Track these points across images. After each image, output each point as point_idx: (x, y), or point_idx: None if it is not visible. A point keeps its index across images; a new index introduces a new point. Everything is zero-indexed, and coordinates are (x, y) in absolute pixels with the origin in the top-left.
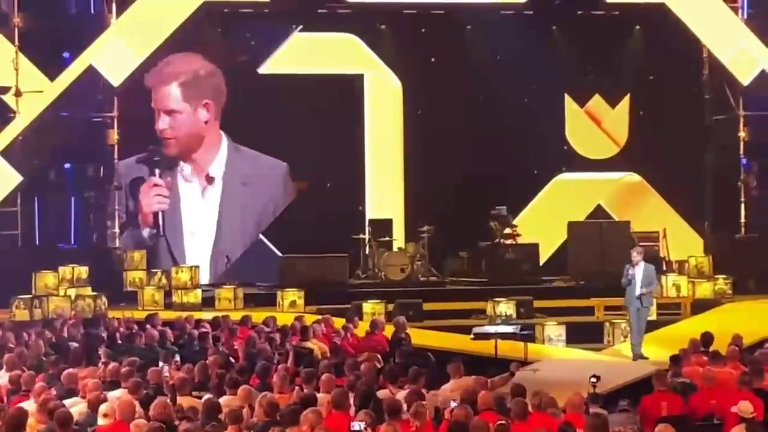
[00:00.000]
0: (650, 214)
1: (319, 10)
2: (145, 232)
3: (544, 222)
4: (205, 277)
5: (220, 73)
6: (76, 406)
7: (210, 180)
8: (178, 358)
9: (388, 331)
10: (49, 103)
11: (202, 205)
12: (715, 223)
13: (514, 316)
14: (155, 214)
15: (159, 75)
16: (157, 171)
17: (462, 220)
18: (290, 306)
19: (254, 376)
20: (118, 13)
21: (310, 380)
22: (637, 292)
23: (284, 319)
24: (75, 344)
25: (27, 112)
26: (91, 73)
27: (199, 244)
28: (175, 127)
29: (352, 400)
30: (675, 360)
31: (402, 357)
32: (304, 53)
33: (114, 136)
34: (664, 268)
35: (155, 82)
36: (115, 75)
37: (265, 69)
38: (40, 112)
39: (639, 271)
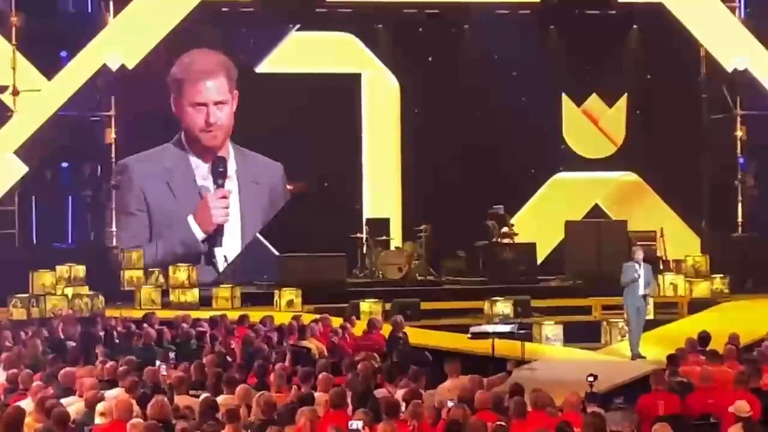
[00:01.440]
0: (647, 213)
1: (316, 9)
2: (199, 236)
3: (541, 221)
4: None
5: (233, 65)
6: (74, 405)
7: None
8: (172, 356)
9: (386, 330)
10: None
11: None
12: (713, 223)
13: (512, 315)
14: (218, 226)
15: (198, 67)
16: (220, 181)
17: (459, 219)
18: (287, 305)
19: (251, 375)
20: (116, 12)
21: (308, 379)
22: (641, 291)
23: (281, 318)
24: (72, 343)
25: (26, 110)
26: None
27: (226, 241)
28: (222, 118)
29: (349, 399)
30: (672, 359)
31: (399, 356)
32: (302, 52)
33: (111, 135)
34: (662, 268)
35: (192, 74)
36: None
37: (262, 68)
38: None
39: (642, 270)
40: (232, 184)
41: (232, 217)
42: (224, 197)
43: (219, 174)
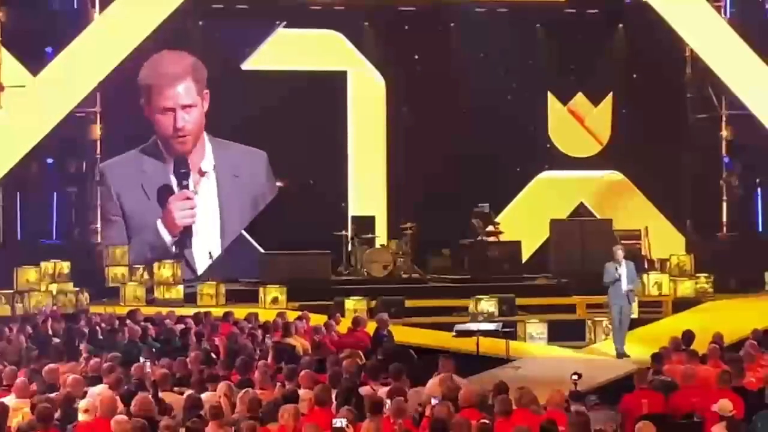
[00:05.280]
0: (632, 212)
1: (309, 7)
2: (168, 240)
3: (526, 220)
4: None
5: (203, 66)
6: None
7: (202, 173)
8: (154, 351)
9: (371, 327)
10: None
11: (199, 199)
12: (697, 222)
13: (496, 313)
14: (185, 228)
15: (164, 71)
16: (184, 182)
17: (444, 217)
18: (272, 302)
19: (235, 372)
20: (101, 9)
21: (292, 377)
22: (624, 288)
23: (266, 315)
24: (56, 339)
25: (10, 107)
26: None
27: (204, 238)
28: (191, 122)
29: (334, 397)
30: (656, 358)
31: (384, 354)
32: (288, 49)
33: (97, 131)
34: (646, 267)
35: (158, 79)
36: (99, 70)
37: (248, 65)
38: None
39: (623, 268)
40: (210, 180)
41: (212, 214)
42: (187, 198)
43: (181, 175)
